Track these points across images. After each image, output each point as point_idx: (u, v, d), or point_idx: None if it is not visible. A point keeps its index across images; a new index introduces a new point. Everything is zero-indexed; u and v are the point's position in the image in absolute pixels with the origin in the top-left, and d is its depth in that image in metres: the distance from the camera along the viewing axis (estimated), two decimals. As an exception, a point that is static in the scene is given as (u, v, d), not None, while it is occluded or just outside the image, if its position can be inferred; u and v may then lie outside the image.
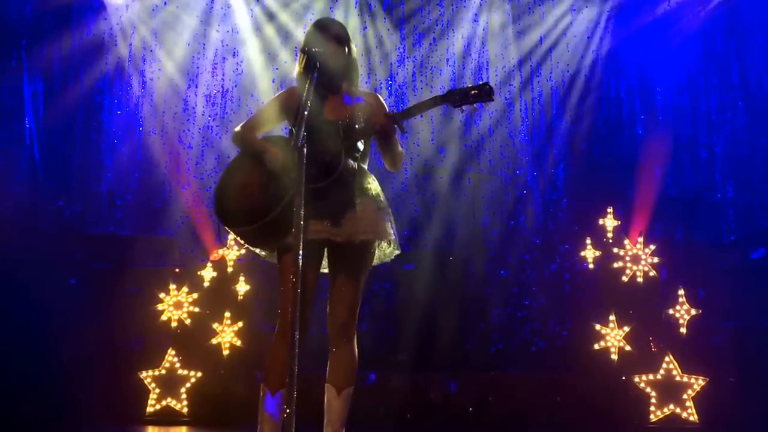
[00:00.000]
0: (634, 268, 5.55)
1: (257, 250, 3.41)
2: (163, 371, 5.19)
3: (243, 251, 5.54)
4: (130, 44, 7.39)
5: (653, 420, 5.06)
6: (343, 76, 3.39)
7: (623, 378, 5.19)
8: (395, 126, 3.24)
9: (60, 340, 4.90)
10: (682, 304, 5.38)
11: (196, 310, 5.38)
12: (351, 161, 3.25)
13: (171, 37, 7.44)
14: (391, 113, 3.27)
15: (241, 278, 5.49)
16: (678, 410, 5.06)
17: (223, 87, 7.49)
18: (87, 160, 7.29)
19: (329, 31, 3.37)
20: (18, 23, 7.10)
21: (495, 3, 7.60)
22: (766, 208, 7.01)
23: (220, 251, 5.71)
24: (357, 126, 3.27)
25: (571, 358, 5.59)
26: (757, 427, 4.81)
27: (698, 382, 5.11)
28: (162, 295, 5.39)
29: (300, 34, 6.93)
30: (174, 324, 5.34)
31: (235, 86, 7.46)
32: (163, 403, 5.14)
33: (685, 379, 5.12)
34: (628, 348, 5.28)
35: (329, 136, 3.16)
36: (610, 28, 7.56)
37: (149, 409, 5.13)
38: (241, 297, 5.45)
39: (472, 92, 3.14)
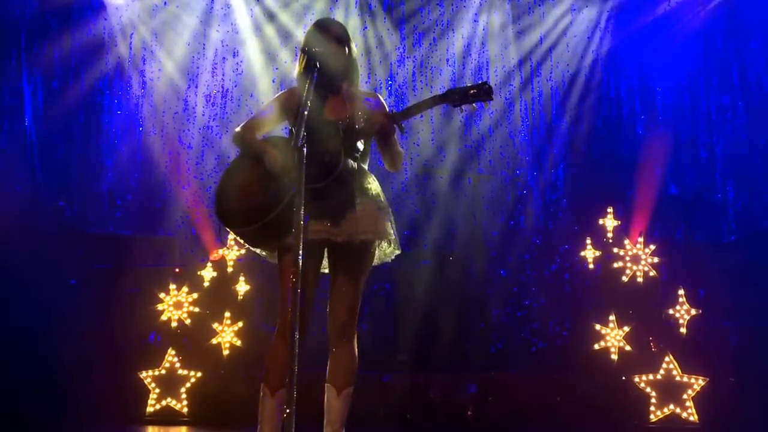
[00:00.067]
0: (634, 268, 5.55)
1: (258, 250, 3.41)
2: (163, 371, 5.19)
3: (243, 251, 5.54)
4: (130, 44, 7.38)
5: (653, 420, 5.07)
6: (344, 76, 3.39)
7: (623, 378, 5.19)
8: (395, 126, 3.25)
9: (60, 340, 4.91)
10: (682, 304, 5.38)
11: (196, 310, 5.38)
12: (351, 161, 3.26)
13: (171, 37, 7.43)
14: (391, 113, 3.27)
15: (241, 278, 5.49)
16: (678, 410, 5.06)
17: (223, 87, 7.48)
18: (87, 160, 7.27)
19: (329, 31, 3.36)
20: (18, 23, 7.09)
21: (495, 3, 7.59)
22: (766, 208, 7.01)
23: (220, 251, 5.71)
24: (357, 126, 3.27)
25: (571, 358, 5.59)
26: (757, 427, 4.81)
27: (698, 382, 5.11)
28: (162, 295, 5.39)
29: (300, 34, 6.93)
30: (174, 324, 5.34)
31: (235, 86, 7.46)
32: (163, 403, 5.15)
33: (685, 379, 5.12)
34: (628, 348, 5.28)
35: (329, 136, 3.16)
36: (610, 28, 7.55)
37: (149, 409, 5.14)
38: (241, 297, 5.46)
39: (472, 92, 3.14)
